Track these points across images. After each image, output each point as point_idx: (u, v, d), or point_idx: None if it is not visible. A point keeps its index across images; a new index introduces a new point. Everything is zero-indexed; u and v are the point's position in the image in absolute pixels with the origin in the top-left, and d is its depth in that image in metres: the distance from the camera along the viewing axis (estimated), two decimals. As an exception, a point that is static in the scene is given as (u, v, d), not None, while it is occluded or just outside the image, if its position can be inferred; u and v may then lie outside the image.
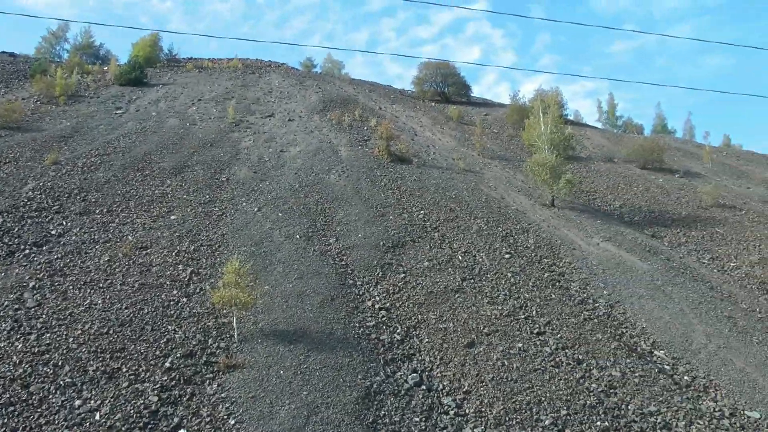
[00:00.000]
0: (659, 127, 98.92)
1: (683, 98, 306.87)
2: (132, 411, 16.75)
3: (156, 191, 32.32)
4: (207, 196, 32.35)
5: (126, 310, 21.49)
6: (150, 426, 16.40)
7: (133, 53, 66.69)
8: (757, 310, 29.11)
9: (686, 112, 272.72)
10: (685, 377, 22.02)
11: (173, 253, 26.21)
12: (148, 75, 59.83)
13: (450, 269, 27.06)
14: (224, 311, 21.38)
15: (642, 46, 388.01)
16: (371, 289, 25.09)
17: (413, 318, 23.38)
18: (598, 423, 18.61)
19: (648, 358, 22.75)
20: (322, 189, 34.49)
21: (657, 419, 19.33)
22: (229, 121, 45.70)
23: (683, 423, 19.37)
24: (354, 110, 51.85)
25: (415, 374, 19.98)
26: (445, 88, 71.21)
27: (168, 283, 23.85)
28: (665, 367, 22.41)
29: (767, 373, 23.33)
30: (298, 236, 28.48)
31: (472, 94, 75.21)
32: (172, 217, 29.59)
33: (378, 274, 26.26)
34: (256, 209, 31.05)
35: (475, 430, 17.75)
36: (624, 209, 40.92)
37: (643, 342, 23.87)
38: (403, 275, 26.38)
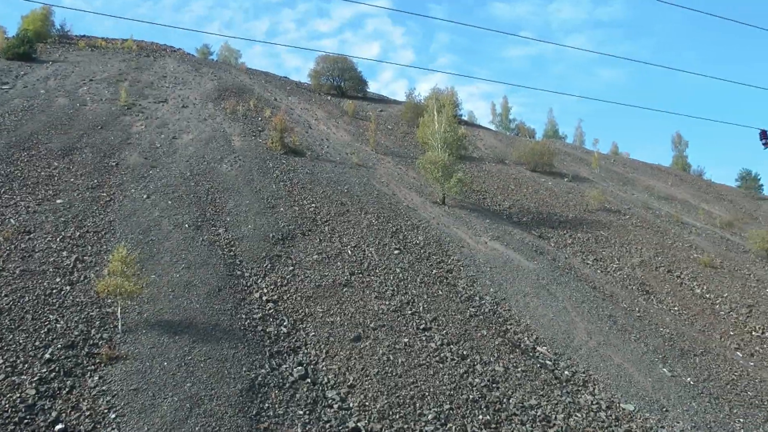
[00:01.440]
0: (551, 132, 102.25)
1: (576, 106, 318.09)
2: (7, 405, 16.02)
3: (42, 173, 31.08)
4: (95, 181, 31.35)
5: (5, 298, 20.57)
6: (26, 421, 15.71)
7: (22, 27, 63.57)
8: (636, 309, 30.62)
9: (578, 119, 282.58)
10: (566, 372, 22.91)
11: (58, 239, 25.28)
12: (37, 50, 57.18)
13: (339, 263, 27.21)
14: (109, 301, 20.77)
15: (539, 54, 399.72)
16: (259, 281, 24.94)
17: (300, 311, 23.39)
18: (480, 417, 19.09)
19: (531, 354, 23.55)
20: (213, 178, 34.00)
21: (537, 412, 20.01)
22: (121, 104, 44.30)
23: (562, 416, 20.14)
24: (249, 100, 51.30)
25: (300, 367, 20.00)
26: (342, 82, 71.34)
27: (51, 270, 22.97)
28: (547, 362, 23.25)
29: (643, 368, 24.60)
30: (187, 225, 28.00)
31: (368, 90, 75.61)
32: (58, 201, 28.55)
33: (267, 266, 26.13)
34: (145, 196, 30.33)
35: (358, 423, 17.90)
36: (513, 210, 42.13)
37: (526, 338, 24.68)
38: (291, 268, 26.34)
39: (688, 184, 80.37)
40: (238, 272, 25.15)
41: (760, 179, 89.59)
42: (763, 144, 20.71)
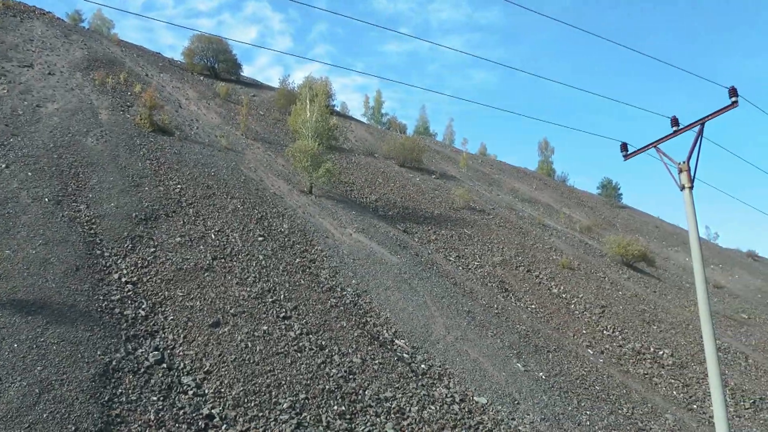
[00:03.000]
0: (422, 129, 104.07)
1: (448, 105, 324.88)
2: None
3: None
4: (-59, 148, 29.30)
5: None
6: None
7: None
8: (495, 306, 31.51)
9: (449, 117, 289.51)
10: (422, 366, 23.27)
11: None
12: None
13: (202, 247, 26.57)
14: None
15: (415, 51, 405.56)
16: (119, 261, 24.00)
17: (160, 294, 22.67)
18: (335, 407, 19.12)
19: (389, 347, 23.78)
20: (77, 151, 32.41)
21: (392, 404, 20.23)
22: (-18, 65, 41.56)
23: (416, 408, 20.44)
24: (119, 73, 49.28)
25: (156, 352, 19.39)
26: (216, 63, 69.83)
27: None
28: (404, 355, 23.54)
29: (498, 362, 25.35)
30: (47, 199, 26.56)
31: (242, 74, 74.46)
32: None
33: (128, 246, 25.19)
34: (3, 165, 28.54)
35: (212, 410, 17.54)
36: (380, 203, 42.48)
37: (385, 331, 24.91)
38: (153, 249, 25.51)
39: (552, 188, 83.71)
40: (98, 251, 24.11)
41: (619, 188, 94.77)
42: (624, 156, 21.68)
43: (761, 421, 32.20)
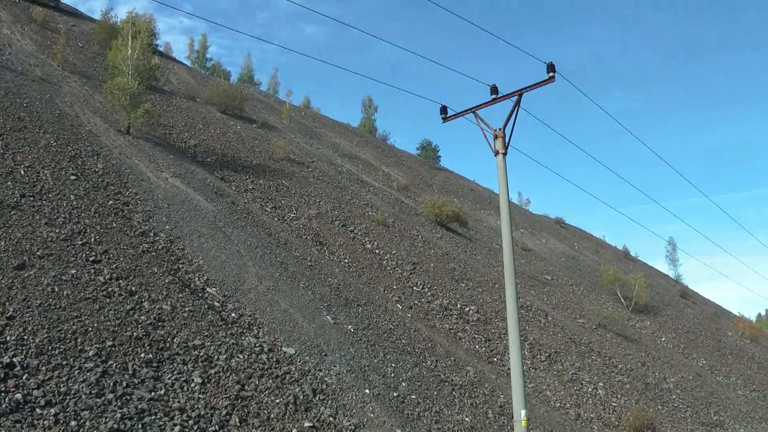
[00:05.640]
0: (246, 77, 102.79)
1: (276, 56, 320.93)
2: None
3: None
4: None
5: None
6: None
7: None
8: (308, 258, 32.15)
9: (274, 67, 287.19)
10: (233, 314, 23.48)
11: None
12: None
13: (10, 183, 25.07)
14: None
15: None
16: None
17: (-47, 234, 21.40)
18: (143, 355, 18.95)
19: (200, 295, 23.77)
20: None
21: (200, 352, 20.33)
22: None
23: (224, 357, 20.68)
24: None
25: (-52, 297, 18.40)
26: (34, -15, 65.29)
27: None
28: (215, 303, 23.64)
29: (308, 314, 26.03)
30: None
31: (62, 0, 70.07)
32: None
33: None
34: None
35: (14, 359, 16.87)
36: (199, 149, 41.82)
37: (197, 279, 24.84)
38: (-52, 184, 23.93)
39: (372, 146, 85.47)
40: None
41: (438, 151, 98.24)
42: (443, 118, 22.72)
43: (554, 372, 35.14)
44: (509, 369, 20.22)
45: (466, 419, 25.17)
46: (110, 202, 27.18)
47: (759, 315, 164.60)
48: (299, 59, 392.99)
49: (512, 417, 19.98)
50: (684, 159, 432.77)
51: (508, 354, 20.59)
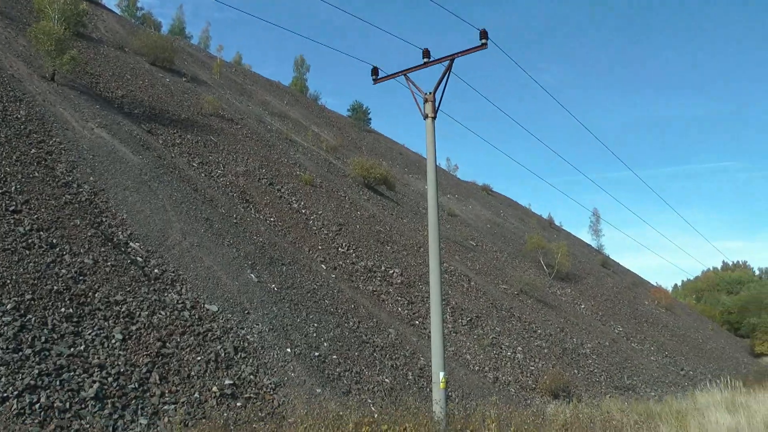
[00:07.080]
0: (177, 29, 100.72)
1: (208, 11, 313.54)
2: None
3: None
4: None
5: None
6: None
7: None
8: (234, 216, 32.12)
9: (207, 21, 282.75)
10: (156, 270, 23.41)
11: None
12: None
13: None
14: None
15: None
16: None
17: None
18: (63, 309, 18.76)
19: (123, 249, 23.59)
20: None
21: (122, 308, 20.24)
22: None
23: (146, 313, 20.67)
24: None
25: None
26: None
27: None
28: (138, 259, 23.52)
29: (231, 272, 26.12)
30: None
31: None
32: None
33: None
34: None
35: None
36: (126, 100, 41.03)
37: (120, 233, 24.60)
38: None
39: (303, 105, 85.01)
40: None
41: (369, 113, 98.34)
42: (374, 80, 22.96)
43: (475, 336, 36.06)
44: (430, 332, 20.79)
45: (386, 380, 25.76)
46: (33, 150, 26.59)
47: (675, 285, 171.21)
48: (233, 14, 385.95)
49: (431, 379, 20.63)
50: (612, 133, 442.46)
51: (430, 317, 21.15)
